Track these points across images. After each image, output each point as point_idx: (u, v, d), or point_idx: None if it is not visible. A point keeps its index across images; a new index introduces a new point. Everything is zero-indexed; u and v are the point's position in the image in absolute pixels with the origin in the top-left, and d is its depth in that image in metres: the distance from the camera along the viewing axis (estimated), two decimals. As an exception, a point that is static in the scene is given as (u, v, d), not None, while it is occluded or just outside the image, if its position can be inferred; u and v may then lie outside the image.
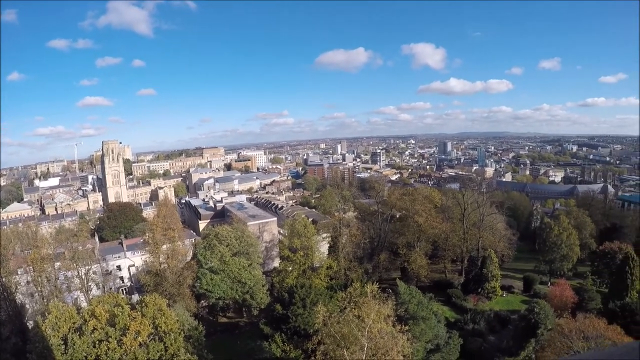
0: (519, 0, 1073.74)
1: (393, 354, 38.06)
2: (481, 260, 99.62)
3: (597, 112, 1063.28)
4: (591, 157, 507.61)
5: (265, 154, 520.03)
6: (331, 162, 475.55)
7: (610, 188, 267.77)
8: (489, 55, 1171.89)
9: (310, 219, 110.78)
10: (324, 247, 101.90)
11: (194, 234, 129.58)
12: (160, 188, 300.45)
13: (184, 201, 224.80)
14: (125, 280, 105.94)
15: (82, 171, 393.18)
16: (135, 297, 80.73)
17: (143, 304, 51.51)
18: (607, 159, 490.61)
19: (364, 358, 37.91)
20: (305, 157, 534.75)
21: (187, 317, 64.37)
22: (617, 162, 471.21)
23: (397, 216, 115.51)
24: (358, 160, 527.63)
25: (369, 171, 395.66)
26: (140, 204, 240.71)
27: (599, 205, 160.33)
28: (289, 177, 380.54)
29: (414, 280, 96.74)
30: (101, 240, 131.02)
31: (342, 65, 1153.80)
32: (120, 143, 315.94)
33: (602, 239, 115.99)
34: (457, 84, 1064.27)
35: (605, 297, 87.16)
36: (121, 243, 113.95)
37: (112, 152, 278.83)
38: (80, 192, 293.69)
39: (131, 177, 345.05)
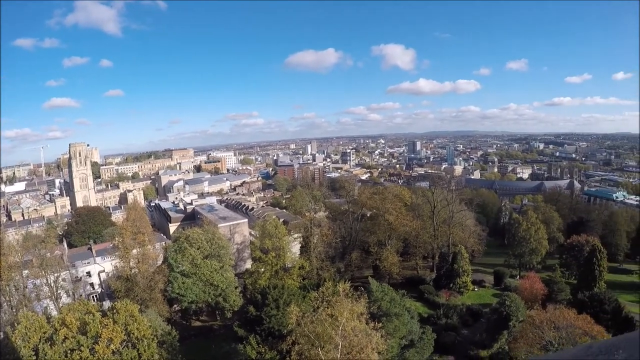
0: (486, 2, 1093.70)
1: (367, 351, 38.41)
2: (452, 256, 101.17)
3: (563, 111, 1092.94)
4: (557, 154, 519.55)
5: (235, 155, 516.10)
6: (301, 162, 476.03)
7: (576, 184, 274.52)
8: (457, 57, 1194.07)
9: (281, 220, 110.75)
10: (295, 248, 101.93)
11: (164, 237, 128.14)
12: (129, 191, 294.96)
13: (153, 204, 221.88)
14: (96, 287, 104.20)
15: (49, 175, 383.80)
16: (107, 304, 79.67)
17: (114, 311, 50.98)
18: (573, 155, 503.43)
19: (338, 357, 38.14)
20: (275, 157, 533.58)
21: (160, 322, 63.77)
22: (583, 158, 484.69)
23: (368, 215, 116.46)
24: (328, 160, 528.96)
25: (339, 171, 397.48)
26: (109, 207, 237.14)
27: (565, 201, 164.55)
28: (259, 178, 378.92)
29: (386, 278, 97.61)
30: (70, 246, 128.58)
31: (312, 66, 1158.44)
32: (88, 145, 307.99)
33: (569, 232, 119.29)
34: (426, 85, 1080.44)
35: (574, 288, 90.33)
36: (90, 248, 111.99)
37: (80, 155, 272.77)
38: (48, 197, 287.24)
39: (99, 180, 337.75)
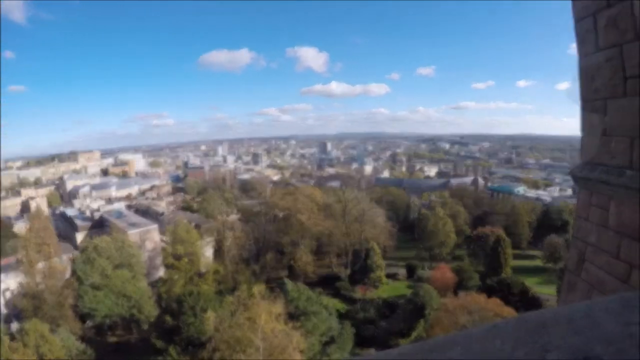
0: (399, 10, 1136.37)
1: (289, 351, 39.09)
2: (365, 253, 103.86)
3: (468, 114, 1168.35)
4: (462, 153, 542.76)
5: (144, 157, 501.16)
6: (212, 164, 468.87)
7: (480, 180, 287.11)
8: (369, 61, 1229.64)
9: (193, 224, 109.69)
10: (209, 252, 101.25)
11: (72, 247, 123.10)
12: (32, 198, 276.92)
13: (58, 212, 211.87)
14: (2, 308, 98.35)
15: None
16: (14, 326, 75.44)
17: (23, 333, 48.84)
18: (477, 155, 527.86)
19: (260, 359, 38.58)
20: (186, 159, 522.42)
21: (73, 341, 61.45)
22: (486, 157, 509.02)
23: (281, 216, 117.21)
24: (240, 161, 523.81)
25: (250, 172, 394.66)
26: (9, 217, 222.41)
27: (470, 196, 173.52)
28: (169, 182, 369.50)
29: (301, 277, 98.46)
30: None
31: (226, 66, 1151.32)
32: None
33: (475, 224, 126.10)
34: (338, 87, 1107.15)
35: (483, 275, 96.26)
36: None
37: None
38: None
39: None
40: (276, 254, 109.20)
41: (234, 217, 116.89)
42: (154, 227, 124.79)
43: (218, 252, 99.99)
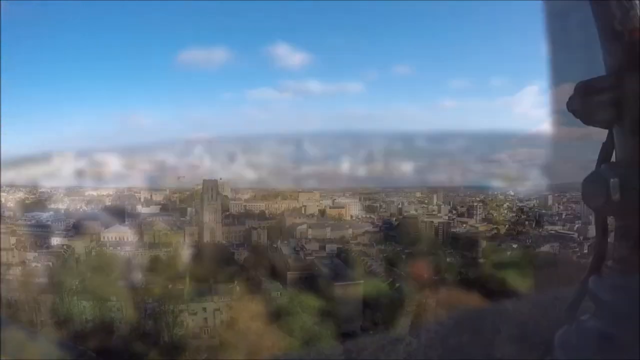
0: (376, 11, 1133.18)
1: (272, 351, 39.00)
2: (345, 250, 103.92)
3: (445, 111, 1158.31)
4: (439, 151, 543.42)
5: (121, 157, 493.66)
6: (190, 164, 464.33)
7: (458, 177, 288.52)
8: (346, 59, 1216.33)
9: (172, 225, 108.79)
10: (188, 253, 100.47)
11: (49, 252, 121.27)
12: (6, 203, 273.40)
13: (33, 215, 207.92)
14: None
15: None
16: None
17: (2, 341, 48.09)
18: (454, 151, 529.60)
19: (242, 359, 38.47)
20: (163, 159, 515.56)
21: (53, 347, 60.61)
22: (463, 154, 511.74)
23: (261, 214, 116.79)
24: (217, 161, 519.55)
25: (228, 172, 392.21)
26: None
27: (448, 192, 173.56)
28: (146, 182, 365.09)
29: (282, 277, 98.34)
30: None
31: (202, 64, 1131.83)
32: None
33: (454, 220, 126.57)
34: (316, 85, 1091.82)
35: (462, 270, 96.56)
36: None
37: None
38: None
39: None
40: (257, 254, 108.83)
41: (213, 217, 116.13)
42: (132, 228, 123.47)
43: (198, 253, 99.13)
